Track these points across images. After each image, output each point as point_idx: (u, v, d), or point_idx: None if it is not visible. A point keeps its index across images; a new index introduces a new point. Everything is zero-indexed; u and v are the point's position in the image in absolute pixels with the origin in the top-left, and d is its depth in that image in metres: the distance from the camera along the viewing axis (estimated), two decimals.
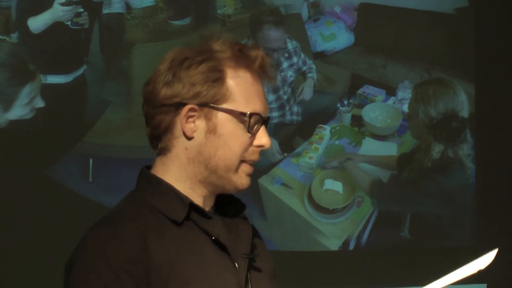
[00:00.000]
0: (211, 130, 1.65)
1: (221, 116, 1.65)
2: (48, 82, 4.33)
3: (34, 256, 4.17)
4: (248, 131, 1.67)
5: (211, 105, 1.65)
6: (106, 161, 4.38)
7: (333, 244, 4.41)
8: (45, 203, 4.23)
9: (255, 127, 1.68)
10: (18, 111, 4.26)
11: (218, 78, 1.65)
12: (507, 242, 4.28)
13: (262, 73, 1.70)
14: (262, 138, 1.70)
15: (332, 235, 4.42)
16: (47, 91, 4.31)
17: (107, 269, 1.55)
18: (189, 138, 1.66)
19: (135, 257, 1.56)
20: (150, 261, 1.58)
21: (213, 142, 1.65)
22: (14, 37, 4.35)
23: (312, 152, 4.51)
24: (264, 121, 1.70)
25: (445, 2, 4.62)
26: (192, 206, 1.66)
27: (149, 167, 1.72)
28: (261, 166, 4.45)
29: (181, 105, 1.65)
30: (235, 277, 1.66)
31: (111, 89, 4.46)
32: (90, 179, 4.38)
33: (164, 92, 1.65)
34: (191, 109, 1.65)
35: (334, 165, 4.52)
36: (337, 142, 4.60)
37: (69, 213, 4.19)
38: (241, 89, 1.66)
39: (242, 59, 1.67)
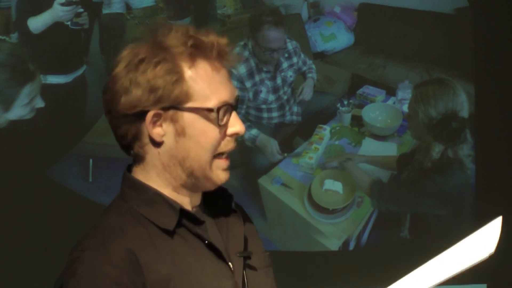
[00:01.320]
0: (180, 132, 1.59)
1: (187, 116, 1.59)
2: (48, 82, 4.33)
3: (34, 256, 4.17)
4: (219, 124, 1.60)
5: (175, 106, 1.58)
6: (106, 161, 4.38)
7: (333, 244, 4.41)
8: (45, 203, 4.23)
9: (225, 118, 1.61)
10: (18, 111, 4.26)
11: (177, 80, 1.58)
12: (506, 242, 4.28)
13: (222, 59, 1.62)
14: (235, 125, 1.63)
15: (332, 235, 4.42)
16: (47, 91, 4.31)
17: None
18: (159, 143, 1.61)
19: (126, 281, 1.53)
20: (145, 282, 1.54)
21: (184, 144, 1.60)
22: (14, 37, 4.35)
23: (312, 152, 4.51)
24: (233, 106, 1.63)
25: (445, 2, 4.62)
26: (183, 213, 1.62)
27: (130, 169, 1.68)
28: (261, 166, 4.45)
29: (144, 113, 1.58)
30: (231, 280, 1.64)
31: None
32: (90, 179, 4.39)
33: (124, 101, 1.59)
34: (155, 115, 1.59)
35: (334, 165, 4.52)
36: (337, 142, 4.60)
37: (69, 213, 4.19)
38: (202, 83, 1.59)
39: (197, 52, 1.60)
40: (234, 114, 1.63)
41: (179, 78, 1.58)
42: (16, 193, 4.22)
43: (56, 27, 4.33)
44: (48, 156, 4.32)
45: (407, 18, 4.67)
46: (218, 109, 1.59)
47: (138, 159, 1.65)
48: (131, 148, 1.65)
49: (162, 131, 1.60)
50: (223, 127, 1.61)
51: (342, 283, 4.41)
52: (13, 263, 4.15)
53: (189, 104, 1.58)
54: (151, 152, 1.63)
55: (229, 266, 1.65)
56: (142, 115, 1.59)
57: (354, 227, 4.45)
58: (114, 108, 1.61)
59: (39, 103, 4.29)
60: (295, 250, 4.44)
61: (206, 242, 1.63)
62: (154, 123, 1.59)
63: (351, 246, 4.46)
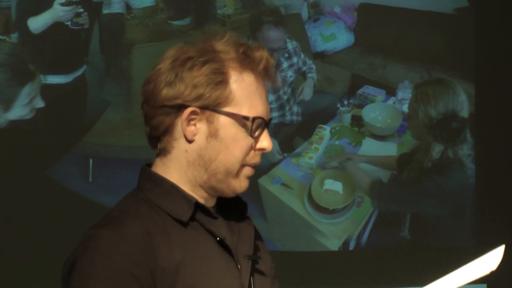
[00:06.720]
0: (213, 134, 1.61)
1: (223, 120, 1.61)
2: (48, 82, 4.33)
3: (34, 256, 4.17)
4: (250, 135, 1.63)
5: (213, 108, 1.61)
6: (106, 161, 4.38)
7: (333, 244, 4.41)
8: (45, 203, 4.23)
9: (258, 131, 1.65)
10: (18, 111, 4.26)
11: (221, 81, 1.61)
12: (507, 242, 4.28)
13: (266, 75, 1.67)
14: (264, 141, 1.66)
15: (332, 235, 4.42)
16: (47, 91, 4.31)
17: (112, 271, 1.52)
18: (190, 141, 1.63)
19: (141, 260, 1.53)
20: (156, 264, 1.55)
21: (214, 146, 1.62)
22: (14, 37, 4.35)
23: (312, 152, 4.51)
24: (266, 123, 1.67)
25: (445, 2, 4.62)
26: (198, 206, 1.63)
27: (149, 165, 1.69)
28: (261, 166, 4.44)
29: (183, 107, 1.61)
30: (238, 280, 1.64)
31: (111, 89, 4.46)
32: (90, 179, 4.38)
33: (166, 92, 1.61)
34: (193, 112, 1.61)
35: (334, 165, 4.52)
36: (337, 142, 4.60)
37: (69, 213, 4.19)
38: (244, 93, 1.63)
39: (246, 61, 1.64)
40: (265, 131, 1.67)
41: (223, 80, 1.61)
42: (16, 193, 4.22)
43: (56, 27, 4.33)
44: (48, 156, 4.31)
45: (407, 18, 4.66)
46: (254, 119, 1.63)
47: (163, 153, 1.66)
48: (159, 141, 1.66)
49: (195, 130, 1.62)
50: (253, 139, 1.64)
51: (342, 283, 4.41)
52: (13, 263, 4.15)
53: (227, 109, 1.62)
54: (179, 148, 1.64)
55: (237, 266, 1.65)
56: (179, 109, 1.61)
57: (354, 227, 4.44)
58: (154, 98, 1.63)
59: (39, 103, 4.29)
60: (295, 250, 4.44)
61: (218, 239, 1.64)
62: (189, 120, 1.62)
63: (351, 246, 4.45)
